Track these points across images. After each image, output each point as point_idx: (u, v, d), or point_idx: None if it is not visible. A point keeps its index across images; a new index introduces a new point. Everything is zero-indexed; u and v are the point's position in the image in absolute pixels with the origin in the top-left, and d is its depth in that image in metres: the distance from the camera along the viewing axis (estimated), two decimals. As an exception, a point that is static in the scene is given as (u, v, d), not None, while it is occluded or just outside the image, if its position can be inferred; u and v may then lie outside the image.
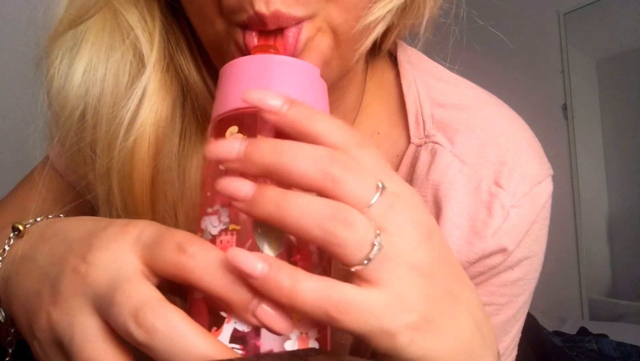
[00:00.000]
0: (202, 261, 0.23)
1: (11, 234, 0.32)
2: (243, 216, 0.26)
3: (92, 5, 0.38)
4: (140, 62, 0.38)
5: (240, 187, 0.24)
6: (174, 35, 0.40)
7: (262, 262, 0.23)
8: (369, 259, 0.23)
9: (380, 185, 0.24)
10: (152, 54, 0.38)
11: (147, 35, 0.38)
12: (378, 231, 0.23)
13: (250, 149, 0.24)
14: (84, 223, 0.29)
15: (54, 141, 0.46)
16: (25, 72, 0.42)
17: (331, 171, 0.23)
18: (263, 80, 0.28)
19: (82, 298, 0.25)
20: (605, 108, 2.25)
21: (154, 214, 0.38)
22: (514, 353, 0.47)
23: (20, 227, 0.32)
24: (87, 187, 0.41)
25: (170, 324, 0.22)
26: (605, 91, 2.27)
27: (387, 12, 0.34)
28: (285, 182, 0.24)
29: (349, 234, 0.23)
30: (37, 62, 0.41)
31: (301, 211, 0.23)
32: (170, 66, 0.39)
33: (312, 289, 0.23)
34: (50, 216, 0.33)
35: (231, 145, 0.24)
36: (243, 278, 0.23)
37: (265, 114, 0.25)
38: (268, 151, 0.24)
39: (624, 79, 2.18)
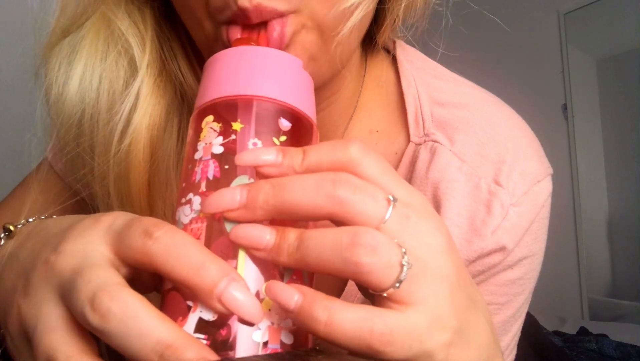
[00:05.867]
0: (167, 244, 0.22)
1: (2, 235, 0.32)
2: None
3: (81, 13, 0.39)
4: (133, 67, 0.38)
5: (260, 236, 0.23)
6: (167, 41, 0.40)
7: (298, 294, 0.22)
8: (400, 281, 0.22)
9: (391, 198, 0.23)
10: (144, 59, 0.38)
11: (139, 40, 0.38)
12: (404, 249, 0.22)
13: (251, 194, 0.23)
14: (66, 219, 0.29)
15: (53, 145, 0.46)
16: (23, 77, 0.42)
17: (337, 193, 0.22)
18: (241, 71, 0.27)
19: (48, 287, 0.24)
20: (605, 108, 2.25)
21: (153, 217, 0.38)
22: (514, 352, 0.47)
23: (12, 228, 0.32)
24: (85, 190, 0.41)
25: (125, 308, 0.21)
26: (605, 91, 2.27)
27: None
28: (296, 219, 0.23)
29: (374, 260, 0.21)
30: (36, 72, 0.41)
31: (317, 248, 0.22)
32: (164, 71, 0.39)
33: (350, 320, 0.21)
34: (43, 217, 0.33)
35: (232, 194, 0.23)
36: (208, 264, 0.22)
37: (264, 169, 0.24)
38: (270, 191, 0.23)
39: (624, 79, 2.18)
